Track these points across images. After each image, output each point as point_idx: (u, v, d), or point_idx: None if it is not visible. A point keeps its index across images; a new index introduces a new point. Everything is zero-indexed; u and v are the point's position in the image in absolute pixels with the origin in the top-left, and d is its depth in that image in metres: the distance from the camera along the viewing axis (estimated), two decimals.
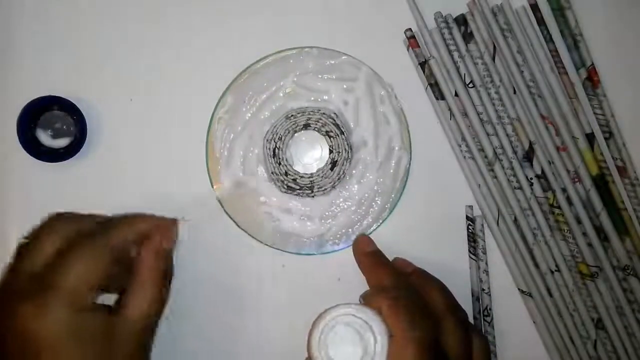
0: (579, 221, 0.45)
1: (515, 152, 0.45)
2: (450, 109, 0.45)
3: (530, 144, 0.45)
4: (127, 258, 0.38)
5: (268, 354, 0.46)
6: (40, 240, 0.36)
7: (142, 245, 0.37)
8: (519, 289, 0.46)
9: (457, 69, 0.45)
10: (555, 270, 0.45)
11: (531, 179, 0.45)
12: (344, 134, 0.45)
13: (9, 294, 0.35)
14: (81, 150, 0.44)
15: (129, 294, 0.36)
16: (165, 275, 0.38)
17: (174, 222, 0.39)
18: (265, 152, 0.45)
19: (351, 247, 0.45)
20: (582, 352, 0.45)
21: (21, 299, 0.34)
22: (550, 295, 0.45)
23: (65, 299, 0.33)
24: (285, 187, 0.45)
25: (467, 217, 0.46)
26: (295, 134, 0.45)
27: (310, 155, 0.45)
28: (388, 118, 0.45)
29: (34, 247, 0.36)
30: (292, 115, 0.45)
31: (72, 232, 0.36)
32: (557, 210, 0.45)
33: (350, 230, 0.45)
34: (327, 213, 0.45)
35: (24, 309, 0.33)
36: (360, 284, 0.43)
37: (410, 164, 0.45)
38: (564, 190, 0.45)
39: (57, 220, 0.38)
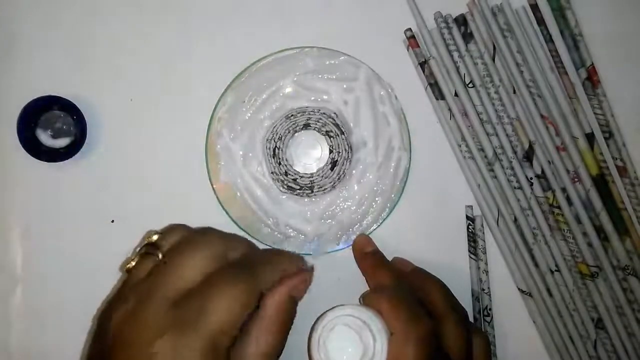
0: (578, 221, 0.45)
1: (515, 152, 0.45)
2: (450, 109, 0.45)
3: (530, 143, 0.45)
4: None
5: None
6: (185, 258, 0.33)
7: (277, 285, 0.34)
8: (519, 289, 0.46)
9: (457, 69, 0.45)
10: (555, 270, 0.45)
11: (531, 178, 0.45)
12: (344, 133, 0.45)
13: (147, 323, 0.31)
14: (81, 150, 0.44)
15: (248, 336, 0.33)
16: (288, 325, 0.35)
17: (311, 270, 0.38)
18: (265, 152, 0.45)
19: (351, 247, 0.45)
20: (582, 352, 0.45)
21: (160, 333, 0.30)
22: (550, 295, 0.45)
23: (206, 343, 0.30)
24: (285, 187, 0.45)
25: (467, 217, 0.46)
26: (295, 134, 0.45)
27: (310, 155, 0.45)
28: (388, 118, 0.45)
29: (177, 263, 0.33)
30: (292, 115, 0.45)
31: (220, 258, 0.33)
32: (557, 210, 0.45)
33: (350, 230, 0.45)
34: (327, 213, 0.45)
35: (161, 346, 0.30)
36: (360, 284, 0.43)
37: (410, 164, 0.45)
38: (563, 190, 0.45)
39: (203, 238, 0.34)
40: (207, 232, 0.35)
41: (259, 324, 0.34)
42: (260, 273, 0.34)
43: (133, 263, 0.35)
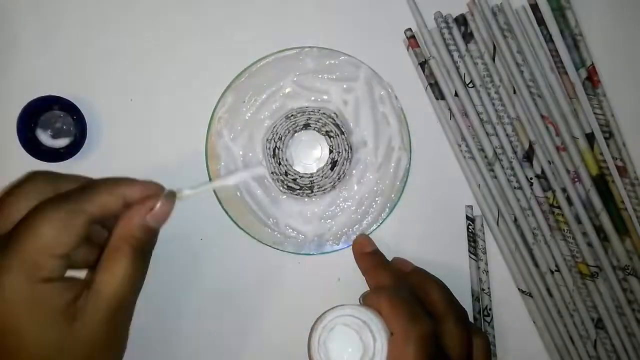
0: (578, 221, 0.45)
1: (515, 152, 0.45)
2: (450, 109, 0.45)
3: (530, 143, 0.45)
4: (104, 230, 0.34)
5: (268, 355, 0.46)
6: (14, 199, 0.32)
7: (124, 212, 0.32)
8: (518, 289, 0.46)
9: (457, 68, 0.45)
10: (555, 270, 0.45)
11: (531, 178, 0.45)
12: (344, 134, 0.45)
13: None
14: (81, 150, 0.44)
15: (100, 265, 0.31)
16: (145, 250, 0.33)
17: (170, 194, 0.33)
18: (265, 152, 0.45)
19: (351, 247, 0.45)
20: (582, 352, 0.45)
21: None
22: (550, 295, 0.45)
23: (24, 267, 0.30)
24: (285, 187, 0.45)
25: (467, 217, 0.46)
26: (295, 134, 0.45)
27: (310, 155, 0.45)
28: (388, 118, 0.45)
29: (7, 204, 0.32)
30: (292, 115, 0.45)
31: (49, 193, 0.32)
32: (557, 210, 0.45)
33: (350, 230, 0.45)
34: (327, 213, 0.45)
35: None
36: (360, 284, 0.43)
37: (410, 164, 0.45)
38: (564, 190, 0.45)
39: (35, 178, 0.34)
40: (33, 173, 0.34)
41: (109, 254, 0.32)
42: (90, 198, 0.32)
43: None
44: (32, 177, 0.34)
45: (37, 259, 0.30)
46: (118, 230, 0.32)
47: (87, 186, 0.33)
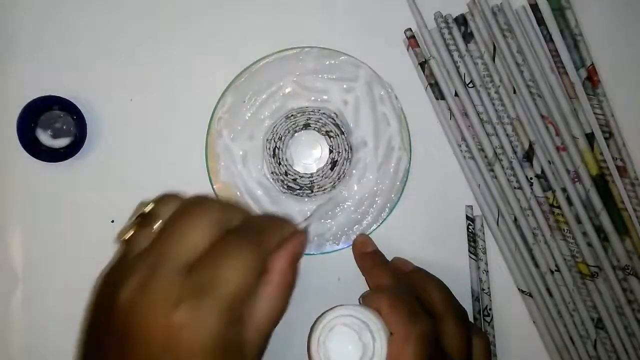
0: (578, 221, 0.45)
1: (515, 152, 0.45)
2: (450, 109, 0.45)
3: (530, 143, 0.45)
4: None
5: (267, 355, 0.46)
6: (190, 226, 0.32)
7: (279, 249, 0.34)
8: (518, 289, 0.46)
9: (457, 69, 0.45)
10: (555, 270, 0.45)
11: (531, 178, 0.45)
12: (344, 134, 0.45)
13: (162, 295, 0.30)
14: (81, 150, 0.45)
15: (257, 301, 0.32)
16: (294, 286, 0.35)
17: (306, 230, 0.37)
18: (265, 152, 0.45)
19: (351, 247, 0.45)
20: (582, 352, 0.45)
21: (177, 302, 0.29)
22: (550, 295, 0.45)
23: (223, 308, 0.30)
24: (285, 187, 0.45)
25: (467, 217, 0.46)
26: (295, 134, 0.45)
27: (310, 155, 0.45)
28: (388, 118, 0.45)
29: (183, 232, 0.32)
30: (292, 115, 0.45)
31: (221, 225, 0.32)
32: (557, 210, 0.45)
33: (350, 230, 0.45)
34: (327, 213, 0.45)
35: (180, 316, 0.29)
36: (360, 284, 0.43)
37: (410, 164, 0.45)
38: (564, 190, 0.45)
39: (203, 205, 0.33)
40: (205, 200, 0.34)
41: (268, 289, 0.33)
42: (263, 238, 0.33)
43: (131, 232, 0.34)
44: (200, 206, 0.33)
45: (232, 304, 0.30)
46: (280, 264, 0.33)
47: (259, 227, 0.34)
